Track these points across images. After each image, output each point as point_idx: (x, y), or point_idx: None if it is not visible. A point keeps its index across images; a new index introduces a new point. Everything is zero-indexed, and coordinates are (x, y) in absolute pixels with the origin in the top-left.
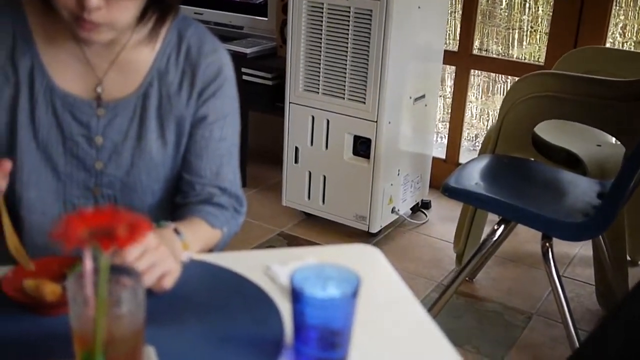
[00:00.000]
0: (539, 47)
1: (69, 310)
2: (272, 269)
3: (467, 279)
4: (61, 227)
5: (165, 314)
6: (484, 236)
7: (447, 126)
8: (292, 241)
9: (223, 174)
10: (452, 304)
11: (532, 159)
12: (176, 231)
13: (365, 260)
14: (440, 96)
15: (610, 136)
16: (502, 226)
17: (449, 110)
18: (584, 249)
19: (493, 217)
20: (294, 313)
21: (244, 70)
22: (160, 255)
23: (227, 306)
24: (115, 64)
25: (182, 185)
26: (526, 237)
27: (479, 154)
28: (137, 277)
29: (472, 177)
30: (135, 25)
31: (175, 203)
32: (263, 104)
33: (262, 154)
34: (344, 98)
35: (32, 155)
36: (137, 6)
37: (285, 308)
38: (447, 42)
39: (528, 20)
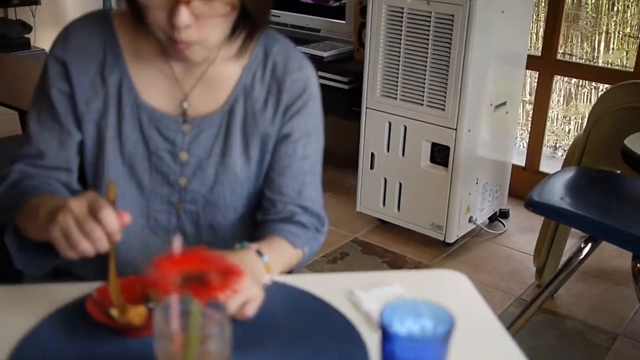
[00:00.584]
0: (628, 52)
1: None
2: (355, 294)
3: None
4: (153, 272)
5: (247, 340)
6: (567, 251)
7: (527, 132)
8: (366, 248)
9: (305, 192)
10: (531, 320)
11: (621, 173)
12: (258, 253)
13: (451, 286)
14: (521, 100)
15: None
16: (589, 244)
17: (529, 116)
18: None
19: (577, 230)
20: (383, 352)
21: (320, 74)
22: (244, 282)
23: (310, 334)
24: (202, 80)
25: (264, 203)
26: (611, 252)
27: (563, 166)
28: (224, 312)
29: (557, 191)
30: (225, 42)
31: (256, 220)
32: (339, 108)
33: (337, 157)
34: (422, 104)
35: (117, 169)
36: (227, 23)
37: (369, 337)
38: (530, 46)
39: (616, 24)
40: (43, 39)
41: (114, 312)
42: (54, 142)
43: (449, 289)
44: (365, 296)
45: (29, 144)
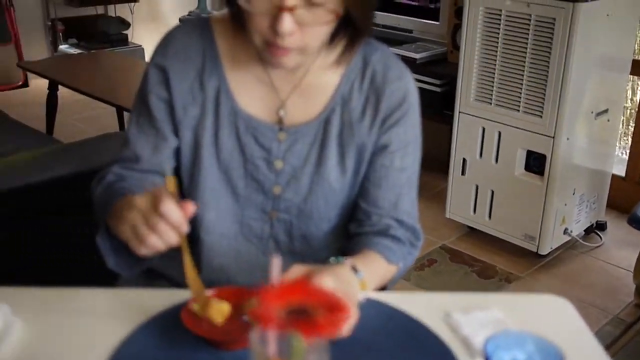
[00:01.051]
0: None
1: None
2: (453, 317)
3: None
4: (257, 306)
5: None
6: None
7: (628, 140)
8: (455, 256)
9: (401, 205)
10: (633, 341)
11: None
12: (354, 269)
13: (555, 314)
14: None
15: None
16: None
17: (630, 123)
18: None
19: None
20: None
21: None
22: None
23: (405, 356)
24: (299, 88)
25: (358, 214)
26: None
27: None
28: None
29: None
30: (324, 49)
31: (350, 231)
32: (430, 111)
33: (426, 161)
34: (518, 110)
35: (213, 176)
36: (328, 31)
37: None
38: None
39: None
40: (140, 35)
41: (195, 305)
42: (150, 147)
43: (553, 317)
44: (464, 319)
45: (126, 146)
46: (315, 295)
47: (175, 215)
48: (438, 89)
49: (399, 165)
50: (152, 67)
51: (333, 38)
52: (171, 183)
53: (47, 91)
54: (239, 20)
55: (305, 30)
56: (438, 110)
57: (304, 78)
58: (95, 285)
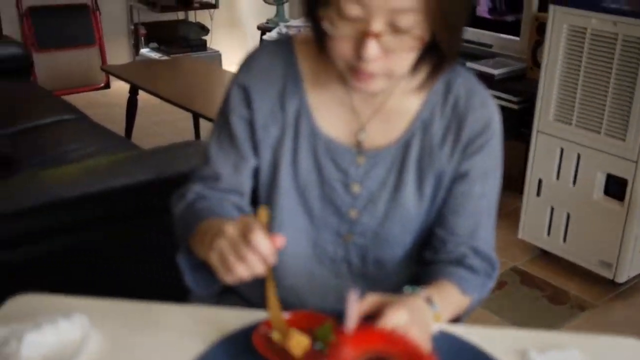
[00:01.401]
0: None
1: None
2: (530, 357)
3: None
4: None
5: None
6: None
7: None
8: (526, 278)
9: (479, 233)
10: None
11: None
12: (429, 300)
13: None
14: None
15: None
16: None
17: None
18: None
19: None
20: None
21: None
22: (414, 335)
23: None
24: (380, 112)
25: (434, 240)
26: None
27: None
28: None
29: None
30: (409, 74)
31: (424, 258)
32: (506, 129)
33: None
34: (599, 133)
35: (290, 196)
36: (414, 57)
37: None
38: None
39: None
40: (218, 40)
41: (275, 335)
42: (229, 166)
43: None
44: (540, 359)
45: (207, 164)
46: (395, 343)
47: (265, 247)
48: (515, 106)
49: (478, 193)
50: (235, 86)
51: (417, 63)
52: (264, 214)
53: (128, 95)
54: (322, 43)
55: (391, 56)
56: (515, 128)
57: (386, 102)
58: (168, 295)
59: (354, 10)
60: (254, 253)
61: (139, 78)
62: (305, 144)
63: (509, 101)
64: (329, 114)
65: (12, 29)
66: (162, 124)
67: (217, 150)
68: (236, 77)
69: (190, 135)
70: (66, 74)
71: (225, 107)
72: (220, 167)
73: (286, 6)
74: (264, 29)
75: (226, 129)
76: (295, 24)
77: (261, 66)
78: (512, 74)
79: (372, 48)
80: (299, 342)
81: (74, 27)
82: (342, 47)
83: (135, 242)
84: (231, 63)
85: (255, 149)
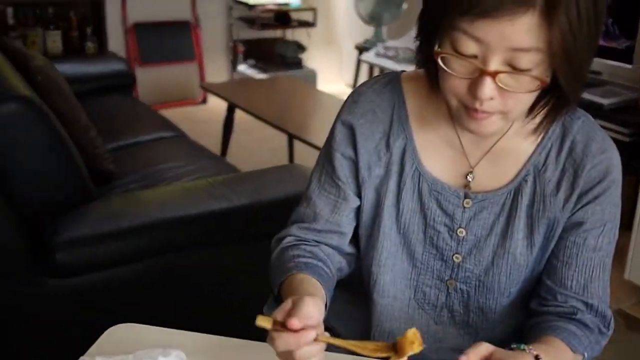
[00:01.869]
0: None
1: None
2: None
3: None
4: None
5: None
6: None
7: None
8: (632, 322)
9: (592, 287)
10: None
11: None
12: (537, 359)
13: None
14: None
15: None
16: None
17: None
18: None
19: None
20: None
21: (597, 122)
22: None
23: None
24: (490, 153)
25: (542, 291)
26: None
27: None
28: None
29: None
30: (525, 116)
31: (531, 308)
32: None
33: None
34: None
35: (392, 238)
36: (532, 97)
37: None
38: None
39: None
40: (314, 58)
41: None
42: (329, 206)
43: None
44: None
45: (306, 203)
46: None
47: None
48: (626, 139)
49: (592, 245)
50: (340, 124)
51: (535, 105)
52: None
53: (226, 113)
54: (434, 80)
55: (507, 96)
56: (624, 161)
57: (497, 143)
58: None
59: (471, 47)
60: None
61: (236, 97)
62: (410, 184)
63: (619, 133)
64: (436, 154)
65: (117, 44)
66: (257, 140)
67: (317, 189)
68: (341, 114)
69: (284, 154)
70: (166, 88)
71: (329, 145)
72: (320, 206)
73: (384, 27)
74: (361, 49)
75: (329, 167)
76: (393, 45)
77: (367, 104)
78: (623, 104)
79: (488, 87)
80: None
81: (176, 42)
82: (456, 86)
83: (227, 267)
84: (326, 81)
85: (359, 189)
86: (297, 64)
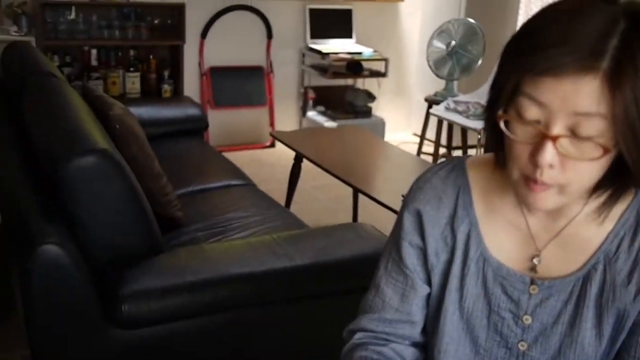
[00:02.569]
0: None
1: None
2: None
3: None
4: None
5: None
6: None
7: None
8: None
9: None
10: None
11: None
12: None
13: None
14: None
15: None
16: None
17: None
18: None
19: None
20: None
21: None
22: None
23: None
24: (558, 238)
25: None
26: None
27: None
28: None
29: None
30: (588, 196)
31: None
32: None
33: None
34: None
35: (454, 323)
36: (596, 171)
37: None
38: None
39: None
40: (383, 108)
41: None
42: (398, 295)
43: None
44: None
45: (375, 291)
46: None
47: None
48: None
49: None
50: (407, 212)
51: (600, 184)
52: None
53: (293, 161)
54: (497, 154)
55: (568, 166)
56: None
57: (566, 228)
58: None
59: (533, 112)
60: None
61: (304, 146)
62: (474, 269)
63: None
64: (501, 238)
65: (192, 87)
66: (322, 188)
67: (384, 277)
68: (408, 202)
69: (349, 202)
70: (236, 130)
71: (396, 233)
72: (389, 295)
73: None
74: (431, 102)
75: (396, 256)
76: (464, 99)
77: (433, 191)
78: None
79: (548, 153)
80: None
81: (249, 87)
82: (517, 152)
83: (290, 325)
84: (394, 129)
85: (428, 276)
86: (366, 113)
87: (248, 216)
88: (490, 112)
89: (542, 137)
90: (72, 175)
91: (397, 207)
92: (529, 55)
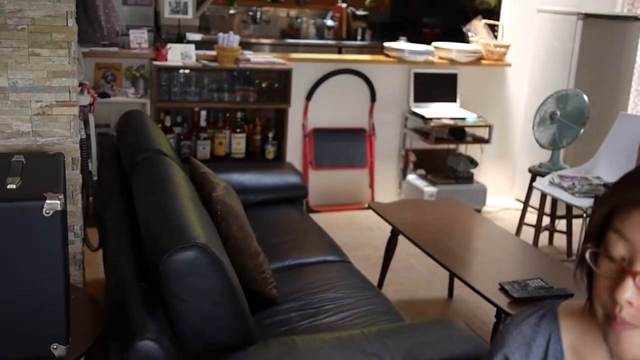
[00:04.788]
0: None
1: None
2: None
3: None
4: None
5: None
6: None
7: None
8: None
9: None
10: None
11: None
12: None
13: None
14: None
15: None
16: None
17: None
18: None
19: None
20: None
21: None
22: None
23: None
24: None
25: None
26: None
27: None
28: None
29: None
30: None
31: None
32: None
33: None
34: None
35: None
36: None
37: None
38: None
39: None
40: (485, 174)
41: None
42: None
43: None
44: None
45: None
46: None
47: None
48: None
49: None
50: (495, 358)
51: None
52: None
53: (389, 235)
54: (589, 305)
55: None
56: None
57: None
58: None
59: (620, 248)
60: None
61: (401, 220)
62: None
63: None
64: None
65: (295, 148)
66: (418, 256)
67: None
68: (497, 345)
69: (444, 276)
70: (335, 191)
71: None
72: None
73: (562, 151)
74: (535, 173)
75: None
76: (569, 174)
77: (522, 338)
78: None
79: (627, 288)
80: None
81: (350, 149)
82: (600, 287)
83: None
84: (496, 194)
85: None
86: (468, 179)
87: (341, 298)
88: (585, 245)
89: (623, 272)
90: (172, 268)
91: (493, 295)
92: (623, 189)
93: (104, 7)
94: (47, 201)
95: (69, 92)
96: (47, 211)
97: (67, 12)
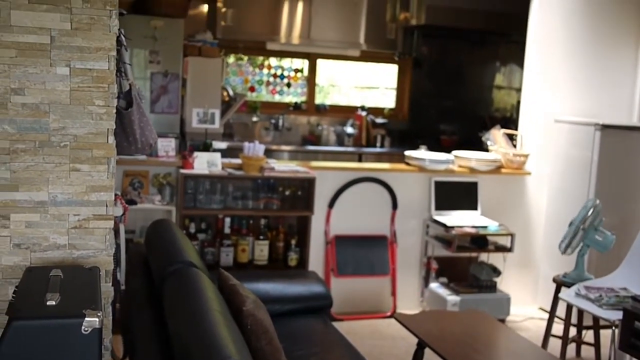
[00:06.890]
0: None
1: None
2: None
3: None
4: None
5: None
6: None
7: None
8: None
9: None
10: None
11: None
12: None
13: None
14: None
15: None
16: None
17: None
18: None
19: None
20: None
21: None
22: None
23: None
24: None
25: None
26: None
27: None
28: None
29: None
30: None
31: None
32: None
33: None
34: None
35: None
36: None
37: None
38: None
39: None
40: (508, 283)
41: None
42: None
43: None
44: None
45: None
46: None
47: None
48: None
49: None
50: None
51: None
52: None
53: (415, 347)
54: None
55: None
56: None
57: None
58: None
59: None
60: None
61: (427, 334)
62: None
63: None
64: None
65: (317, 255)
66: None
67: None
68: None
69: None
70: (357, 298)
71: None
72: None
73: (586, 259)
74: (559, 283)
75: None
76: (596, 284)
77: None
78: None
79: None
80: None
81: (372, 256)
82: None
83: None
84: (520, 303)
85: None
86: (491, 287)
87: None
88: None
89: None
90: None
91: None
92: None
93: (139, 121)
94: (87, 319)
95: (106, 205)
96: (86, 329)
97: (107, 129)
